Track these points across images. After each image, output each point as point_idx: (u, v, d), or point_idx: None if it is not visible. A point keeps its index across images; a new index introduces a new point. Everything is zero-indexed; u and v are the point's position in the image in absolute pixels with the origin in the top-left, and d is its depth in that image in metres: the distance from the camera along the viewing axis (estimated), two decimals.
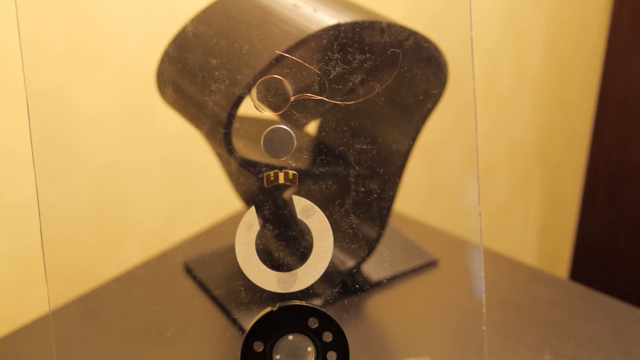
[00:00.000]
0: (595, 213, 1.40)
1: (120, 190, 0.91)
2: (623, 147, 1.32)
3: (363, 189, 0.54)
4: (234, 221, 0.89)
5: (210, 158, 0.81)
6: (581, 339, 0.71)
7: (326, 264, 0.50)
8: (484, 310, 0.55)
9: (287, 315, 0.50)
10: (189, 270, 0.77)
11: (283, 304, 0.50)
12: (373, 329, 0.70)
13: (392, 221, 0.76)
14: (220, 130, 0.53)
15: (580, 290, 0.79)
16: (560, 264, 1.58)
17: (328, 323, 0.50)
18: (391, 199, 0.65)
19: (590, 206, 1.40)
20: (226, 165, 0.70)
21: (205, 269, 0.74)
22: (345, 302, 0.52)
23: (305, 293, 0.51)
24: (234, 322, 0.68)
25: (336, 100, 0.51)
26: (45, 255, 0.51)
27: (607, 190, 1.37)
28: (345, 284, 0.54)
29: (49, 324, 0.75)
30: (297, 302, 0.50)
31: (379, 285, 0.74)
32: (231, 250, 0.75)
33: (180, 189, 0.97)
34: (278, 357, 0.51)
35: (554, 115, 1.48)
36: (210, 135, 0.58)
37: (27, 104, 0.50)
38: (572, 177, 1.54)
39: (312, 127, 0.68)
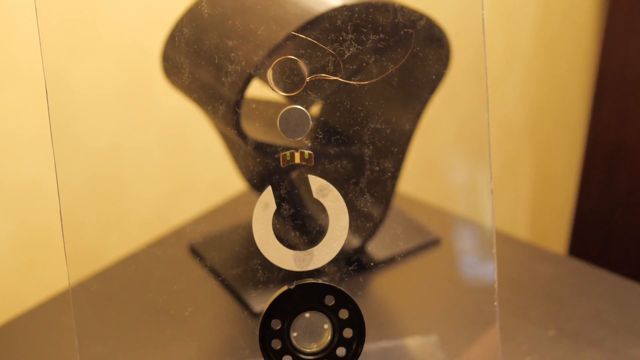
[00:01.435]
0: (594, 190, 1.41)
1: (119, 171, 0.91)
2: (621, 125, 1.33)
3: (377, 168, 0.55)
4: (235, 202, 0.90)
5: (210, 139, 0.82)
6: (584, 314, 0.72)
7: (342, 242, 0.51)
8: (496, 286, 0.56)
9: (304, 293, 0.51)
10: (195, 252, 0.77)
11: (300, 282, 0.51)
12: (383, 307, 0.71)
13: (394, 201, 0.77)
14: (236, 111, 0.54)
15: (580, 267, 0.80)
16: (555, 241, 1.60)
17: (344, 300, 0.51)
18: (396, 177, 0.66)
19: (588, 183, 1.42)
20: (234, 148, 0.70)
21: (213, 251, 0.75)
22: (361, 279, 0.53)
23: (321, 271, 0.52)
24: (245, 304, 0.69)
25: (351, 81, 0.52)
26: (65, 234, 0.52)
27: (605, 167, 1.38)
28: (359, 262, 0.55)
29: (52, 306, 0.75)
30: (314, 280, 0.51)
31: (386, 263, 0.75)
32: (236, 232, 0.75)
33: (180, 170, 0.97)
34: (295, 334, 0.51)
35: (545, 93, 1.49)
36: (222, 118, 0.58)
37: (46, 86, 0.50)
38: (566, 155, 1.55)
39: (316, 109, 0.68)
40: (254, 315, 0.67)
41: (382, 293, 0.73)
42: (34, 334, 0.72)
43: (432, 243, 0.81)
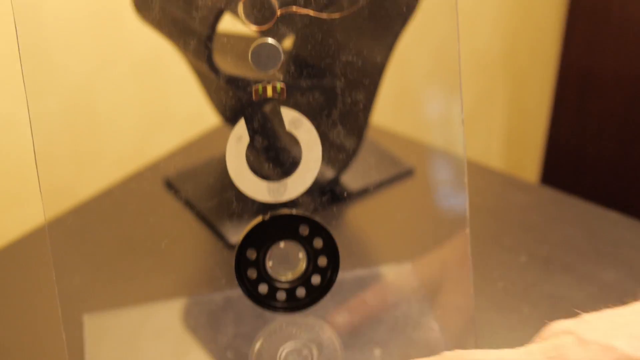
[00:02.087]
0: (566, 119, 1.42)
1: (93, 107, 0.91)
2: (592, 55, 1.34)
3: (349, 100, 0.55)
4: (209, 137, 0.90)
5: (183, 74, 0.82)
6: (555, 240, 0.74)
7: (315, 174, 0.52)
8: (467, 214, 0.57)
9: (279, 223, 0.52)
10: (170, 186, 0.78)
11: (274, 213, 0.51)
12: (357, 237, 0.72)
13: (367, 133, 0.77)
14: (208, 45, 0.54)
15: (552, 195, 0.82)
16: (529, 170, 1.61)
17: (318, 230, 0.52)
18: (369, 109, 0.67)
19: (560, 113, 1.43)
20: (207, 82, 0.70)
21: (188, 184, 0.75)
22: (334, 209, 0.54)
23: (295, 203, 0.52)
24: (221, 235, 0.70)
25: (322, 14, 0.52)
26: (39, 171, 0.52)
27: (577, 97, 1.39)
28: (333, 193, 0.55)
29: (30, 242, 0.76)
30: (288, 211, 0.51)
31: (360, 194, 0.76)
32: (211, 165, 0.76)
33: (154, 105, 0.97)
34: (270, 264, 0.52)
35: (518, 24, 1.49)
36: (194, 53, 0.58)
37: (15, 21, 0.50)
38: (539, 85, 1.56)
39: (288, 42, 0.68)
40: (230, 246, 0.68)
41: (356, 223, 0.74)
42: (13, 270, 0.73)
43: (405, 174, 0.82)
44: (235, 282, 0.52)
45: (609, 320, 0.44)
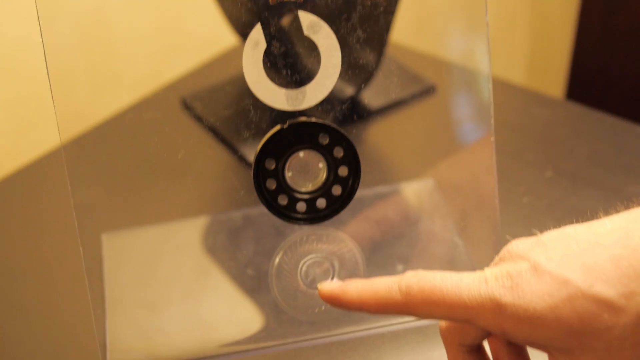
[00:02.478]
0: (592, 33, 1.38)
1: (108, 28, 0.89)
2: None
3: (370, 3, 0.53)
4: (226, 58, 0.88)
5: None
6: (581, 155, 0.72)
7: (334, 80, 0.50)
8: (492, 121, 0.56)
9: (298, 132, 0.50)
10: (187, 106, 0.76)
11: (293, 121, 0.50)
12: (379, 154, 0.71)
13: (388, 50, 0.75)
14: None
15: (578, 109, 0.79)
16: (553, 86, 1.58)
17: (338, 138, 0.50)
18: (390, 13, 0.64)
19: (586, 26, 1.39)
20: None
21: (206, 104, 0.74)
22: (355, 117, 0.52)
23: (314, 111, 0.51)
24: (238, 153, 0.68)
25: None
26: (54, 93, 0.51)
27: (604, 10, 1.35)
28: (354, 110, 0.54)
29: (50, 163, 0.75)
30: (307, 119, 0.50)
31: (380, 112, 0.74)
32: (228, 84, 0.74)
33: (170, 27, 0.95)
34: (290, 174, 0.51)
35: None
36: None
37: None
38: None
39: None
40: (248, 164, 0.67)
41: (378, 141, 0.73)
42: (30, 191, 0.72)
43: (427, 91, 0.80)
44: (254, 193, 0.51)
45: (566, 246, 0.42)
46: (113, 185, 0.61)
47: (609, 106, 1.30)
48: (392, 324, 0.57)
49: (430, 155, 0.71)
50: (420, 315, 0.46)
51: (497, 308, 0.42)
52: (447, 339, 0.49)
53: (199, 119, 0.73)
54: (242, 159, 0.67)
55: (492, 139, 0.55)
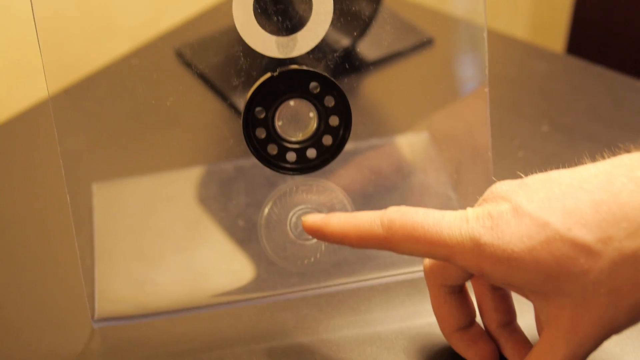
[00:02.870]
0: None
1: None
2: None
3: None
4: (220, 9, 0.87)
5: None
6: (579, 109, 0.71)
7: (326, 28, 0.49)
8: (486, 72, 0.55)
9: (288, 80, 0.49)
10: (181, 56, 0.75)
11: (283, 68, 0.49)
12: (372, 103, 0.70)
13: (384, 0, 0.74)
14: None
15: (577, 63, 0.78)
16: (553, 40, 1.56)
17: (330, 87, 0.49)
18: None
19: None
20: None
21: (199, 54, 0.73)
22: (347, 67, 0.51)
23: (306, 59, 0.50)
24: (231, 103, 0.67)
25: None
26: (41, 43, 0.50)
27: None
28: (349, 62, 0.53)
29: (39, 114, 0.74)
30: (298, 67, 0.49)
31: (376, 64, 0.73)
32: (221, 34, 0.73)
33: None
34: (280, 123, 0.50)
35: None
36: None
37: None
38: None
39: None
40: (237, 112, 0.66)
41: (371, 92, 0.72)
42: (18, 142, 0.72)
43: (424, 43, 0.78)
44: (244, 142, 0.50)
45: (548, 189, 0.42)
46: (102, 134, 0.60)
47: (610, 61, 1.29)
48: (382, 277, 0.57)
49: (424, 108, 0.70)
50: (401, 251, 0.46)
51: (476, 247, 0.42)
52: (430, 278, 0.49)
53: (189, 66, 0.72)
54: (232, 108, 0.66)
55: (486, 90, 0.54)
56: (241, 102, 0.65)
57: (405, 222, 0.45)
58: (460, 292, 0.49)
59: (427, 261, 0.50)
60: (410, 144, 0.66)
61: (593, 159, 0.44)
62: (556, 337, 0.42)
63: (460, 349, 0.50)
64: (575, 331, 0.41)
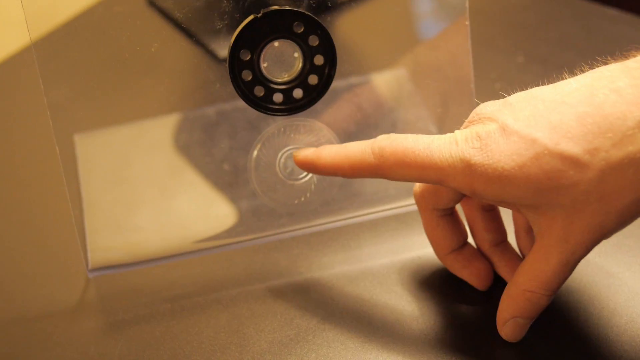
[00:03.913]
0: None
1: None
2: None
3: None
4: None
5: None
6: (552, 39, 0.72)
7: None
8: (467, 5, 0.55)
9: (272, 20, 0.49)
10: (153, 3, 0.74)
11: (267, 9, 0.49)
12: (354, 40, 0.70)
13: None
14: None
15: None
16: None
17: (313, 26, 0.50)
18: None
19: None
20: None
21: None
22: (329, 4, 0.51)
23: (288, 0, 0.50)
24: (208, 49, 0.67)
25: None
26: None
27: None
28: None
29: (19, 62, 0.73)
30: (281, 7, 0.49)
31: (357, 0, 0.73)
32: None
33: None
34: (265, 65, 0.50)
35: None
36: None
37: None
38: None
39: None
40: (219, 60, 0.66)
41: (353, 29, 0.71)
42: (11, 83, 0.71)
43: None
44: (230, 85, 0.50)
45: (533, 106, 0.43)
46: (86, 83, 0.60)
47: None
48: (370, 213, 0.58)
49: (406, 43, 0.70)
50: (393, 177, 0.46)
51: (467, 168, 0.43)
52: (421, 203, 0.51)
53: (170, 10, 0.71)
54: (214, 52, 0.65)
55: (467, 22, 0.55)
56: (224, 46, 0.65)
57: (396, 148, 0.46)
58: (451, 215, 0.51)
59: (418, 186, 0.51)
60: (391, 80, 0.67)
61: (572, 74, 0.45)
62: (549, 246, 0.43)
63: (456, 269, 0.52)
64: (567, 239, 0.43)
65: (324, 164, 0.50)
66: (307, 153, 0.51)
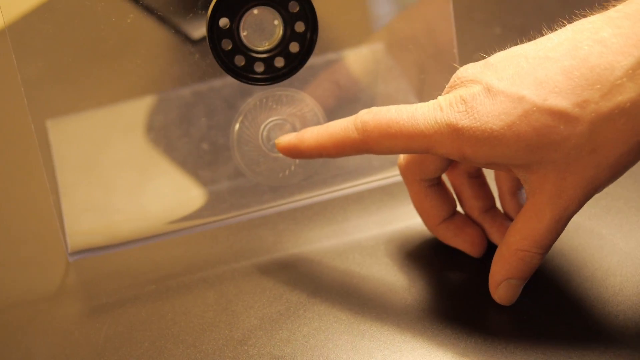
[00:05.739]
0: None
1: None
2: None
3: None
4: None
5: None
6: (528, 10, 0.72)
7: None
8: None
9: None
10: None
11: None
12: (328, 20, 0.69)
13: None
14: None
15: None
16: None
17: None
18: None
19: None
20: None
21: None
22: None
23: None
24: (180, 30, 0.66)
25: None
26: None
27: None
28: None
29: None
30: None
31: None
32: None
33: None
34: (245, 33, 0.49)
35: None
36: None
37: None
38: None
39: None
40: (192, 41, 0.64)
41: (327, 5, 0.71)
42: None
43: None
44: (210, 54, 0.49)
45: (516, 64, 0.42)
46: (60, 66, 0.58)
47: None
48: (355, 185, 0.57)
49: (386, 12, 0.69)
50: (379, 150, 0.45)
51: (454, 133, 0.42)
52: (407, 175, 0.50)
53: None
54: (184, 36, 0.64)
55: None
56: (194, 32, 0.64)
57: (379, 121, 0.45)
58: (438, 185, 0.50)
59: (402, 158, 0.50)
60: (367, 55, 0.66)
61: (551, 30, 0.44)
62: (541, 203, 0.42)
63: (448, 238, 0.51)
64: (560, 195, 0.42)
65: (307, 147, 0.48)
66: (290, 138, 0.49)
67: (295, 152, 0.50)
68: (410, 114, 0.44)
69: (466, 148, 0.42)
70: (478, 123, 0.42)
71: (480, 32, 0.69)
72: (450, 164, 0.48)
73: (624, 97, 0.39)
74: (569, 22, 0.44)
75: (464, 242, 0.50)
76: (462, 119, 0.42)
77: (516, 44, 0.67)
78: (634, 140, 0.40)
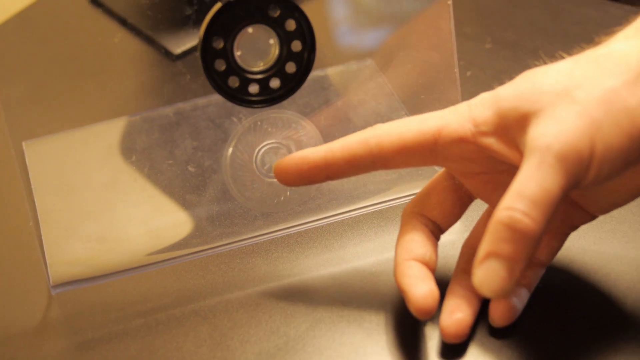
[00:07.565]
0: None
1: None
2: None
3: None
4: None
5: None
6: (518, 24, 0.70)
7: None
8: None
9: (245, 5, 0.45)
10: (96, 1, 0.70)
11: None
12: (333, 25, 0.66)
13: None
14: None
15: None
16: None
17: (290, 9, 0.46)
18: None
19: None
20: None
21: None
22: None
23: None
24: (160, 45, 0.63)
25: None
26: None
27: None
28: None
29: None
30: None
31: None
32: None
33: None
34: (239, 53, 0.47)
35: None
36: None
37: None
38: None
39: None
40: (173, 57, 0.62)
41: (328, 14, 0.68)
42: None
43: None
44: (203, 74, 0.46)
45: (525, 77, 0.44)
46: (37, 86, 0.55)
47: None
48: (351, 210, 0.54)
49: (385, 28, 0.67)
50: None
51: (466, 106, 0.44)
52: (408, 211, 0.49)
53: (112, 15, 0.67)
54: (165, 53, 0.61)
55: (450, 2, 0.52)
56: (175, 48, 0.61)
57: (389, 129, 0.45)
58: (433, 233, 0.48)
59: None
60: (357, 71, 0.63)
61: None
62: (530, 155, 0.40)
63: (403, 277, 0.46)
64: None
65: (314, 160, 0.46)
66: (292, 157, 0.46)
67: (295, 175, 0.46)
68: (418, 117, 0.45)
69: (476, 112, 0.43)
70: (487, 94, 0.43)
71: (471, 47, 0.67)
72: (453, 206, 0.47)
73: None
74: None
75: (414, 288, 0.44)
76: (474, 100, 0.44)
77: (507, 58, 0.66)
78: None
